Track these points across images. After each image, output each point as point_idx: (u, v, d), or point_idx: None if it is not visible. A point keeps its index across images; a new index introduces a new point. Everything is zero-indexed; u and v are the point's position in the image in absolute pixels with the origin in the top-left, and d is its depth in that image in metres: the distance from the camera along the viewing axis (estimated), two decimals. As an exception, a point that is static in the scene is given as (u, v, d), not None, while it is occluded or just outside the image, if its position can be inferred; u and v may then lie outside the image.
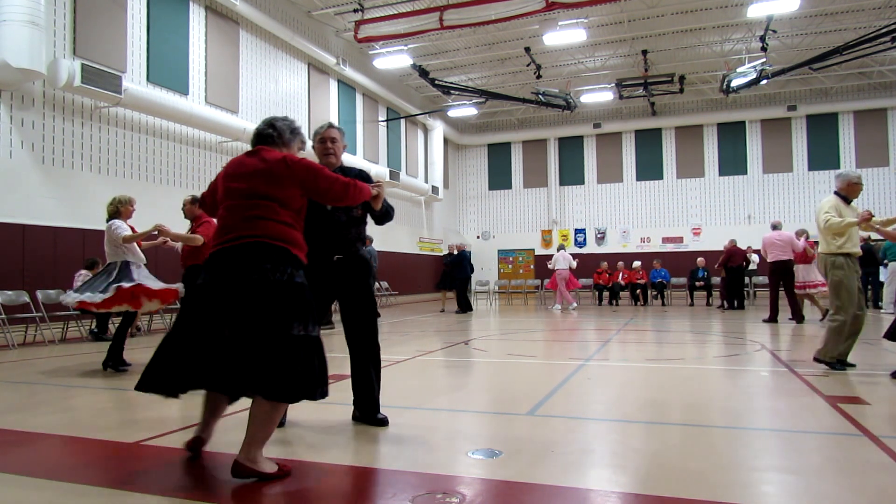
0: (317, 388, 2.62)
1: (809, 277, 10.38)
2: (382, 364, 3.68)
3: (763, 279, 14.39)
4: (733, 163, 22.51)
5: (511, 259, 25.29)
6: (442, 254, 17.73)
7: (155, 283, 5.92)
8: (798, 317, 10.19)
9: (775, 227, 10.72)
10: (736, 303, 14.22)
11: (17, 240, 9.53)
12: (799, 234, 10.64)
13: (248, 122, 13.92)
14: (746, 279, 16.18)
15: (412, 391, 4.88)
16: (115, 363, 5.80)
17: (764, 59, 17.01)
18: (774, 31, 16.10)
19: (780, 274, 10.30)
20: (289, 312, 2.62)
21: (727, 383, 5.18)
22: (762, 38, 16.04)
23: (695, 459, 2.91)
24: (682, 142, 23.09)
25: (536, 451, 3.03)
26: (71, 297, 5.77)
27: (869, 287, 13.16)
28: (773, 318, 10.27)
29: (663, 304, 16.73)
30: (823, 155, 21.52)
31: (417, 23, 15.33)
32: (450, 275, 14.65)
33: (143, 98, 11.23)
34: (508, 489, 2.55)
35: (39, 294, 8.71)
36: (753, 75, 16.82)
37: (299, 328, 2.62)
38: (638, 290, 17.10)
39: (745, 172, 22.39)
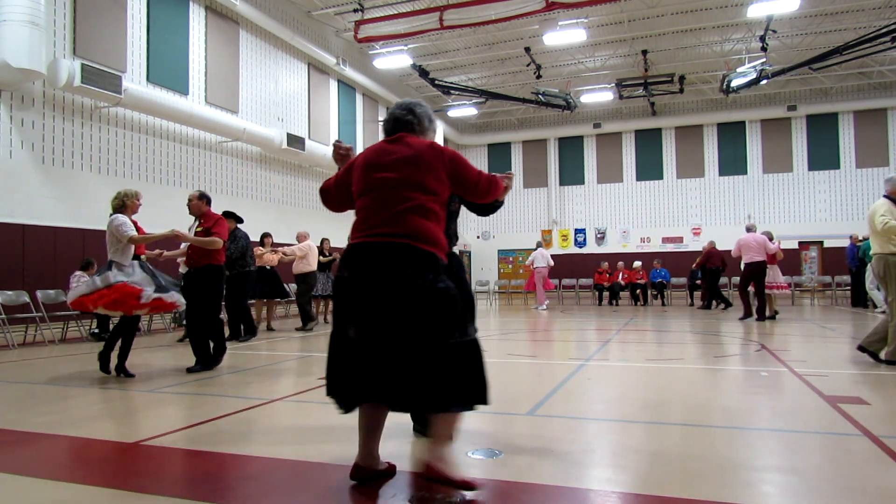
0: (486, 391, 2.44)
1: (775, 279, 11.10)
2: None
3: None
4: (733, 163, 22.49)
5: (511, 259, 25.28)
6: None
7: (149, 289, 5.45)
8: (764, 314, 10.65)
9: (750, 229, 11.18)
10: (704, 302, 14.50)
11: (17, 240, 9.53)
12: (768, 237, 11.07)
13: (248, 122, 13.93)
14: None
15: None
16: (125, 370, 5.53)
17: (764, 59, 17.01)
18: (774, 31, 16.10)
19: (754, 274, 10.76)
20: (441, 319, 2.41)
21: (727, 383, 5.18)
22: (762, 38, 16.04)
23: (695, 459, 2.91)
24: (682, 142, 23.07)
25: (536, 451, 3.04)
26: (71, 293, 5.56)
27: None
28: (747, 315, 11.04)
29: (663, 304, 16.74)
30: (823, 155, 21.52)
31: (417, 23, 15.33)
32: None
33: (143, 98, 11.24)
34: (508, 489, 2.55)
35: (39, 294, 8.71)
36: (753, 75, 16.83)
37: (456, 334, 2.42)
38: (638, 290, 17.13)
39: (745, 172, 22.37)
